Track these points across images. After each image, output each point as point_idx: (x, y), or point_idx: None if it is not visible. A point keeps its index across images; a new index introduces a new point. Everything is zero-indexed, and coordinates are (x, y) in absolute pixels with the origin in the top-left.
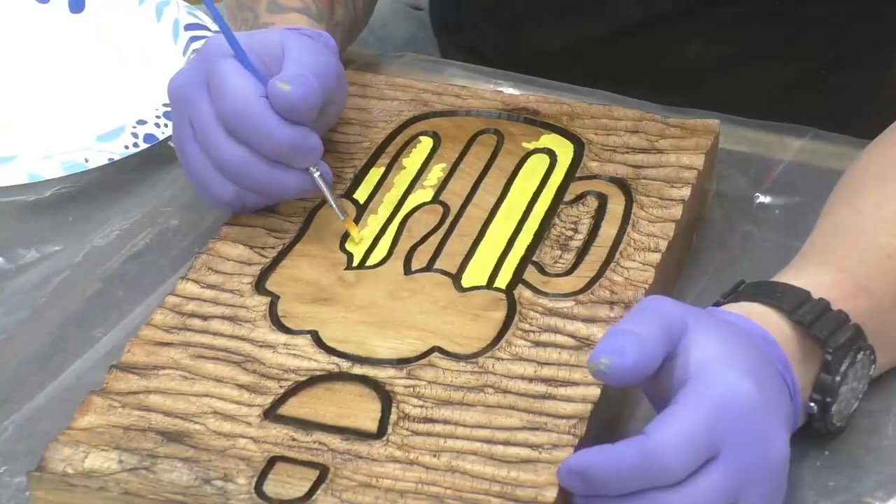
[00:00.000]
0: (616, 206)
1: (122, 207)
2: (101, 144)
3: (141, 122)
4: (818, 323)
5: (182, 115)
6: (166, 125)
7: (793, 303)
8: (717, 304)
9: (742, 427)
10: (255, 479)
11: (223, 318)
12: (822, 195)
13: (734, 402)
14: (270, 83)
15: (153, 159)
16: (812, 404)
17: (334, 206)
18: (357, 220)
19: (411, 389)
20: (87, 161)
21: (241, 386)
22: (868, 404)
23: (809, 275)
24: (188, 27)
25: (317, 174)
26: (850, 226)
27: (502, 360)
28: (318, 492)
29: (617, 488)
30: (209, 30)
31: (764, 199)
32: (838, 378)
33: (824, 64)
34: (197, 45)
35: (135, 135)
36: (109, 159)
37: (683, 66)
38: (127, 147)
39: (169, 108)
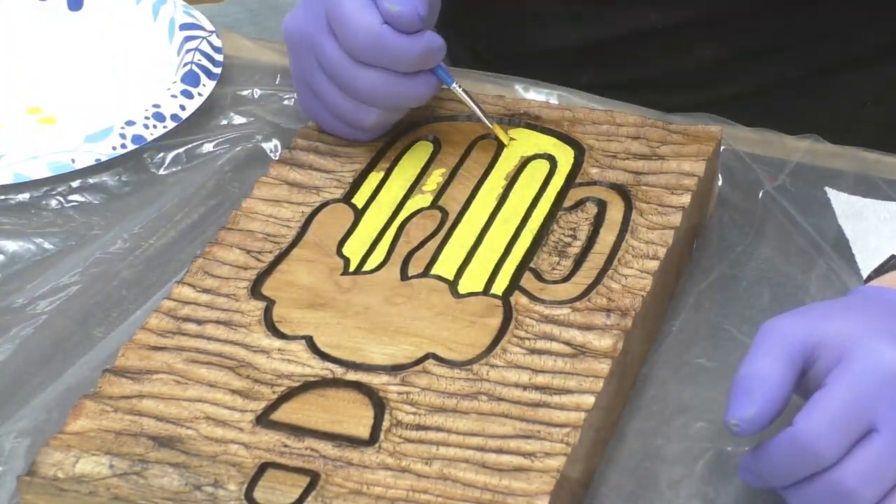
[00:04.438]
0: (615, 212)
1: (125, 208)
2: (89, 145)
3: (130, 123)
4: None
5: (304, 56)
6: (155, 126)
7: None
8: (868, 280)
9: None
10: (245, 486)
11: (218, 322)
12: (826, 200)
13: (882, 371)
14: (383, 9)
15: (156, 160)
16: None
17: (478, 112)
18: (355, 225)
19: (405, 396)
20: (73, 161)
21: (234, 391)
22: None
23: None
24: (183, 27)
25: (459, 88)
26: None
27: (497, 367)
28: (309, 499)
29: (783, 480)
30: (204, 30)
31: (767, 204)
32: None
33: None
34: (191, 45)
35: (123, 136)
36: (97, 160)
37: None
38: (115, 148)
39: (159, 109)
